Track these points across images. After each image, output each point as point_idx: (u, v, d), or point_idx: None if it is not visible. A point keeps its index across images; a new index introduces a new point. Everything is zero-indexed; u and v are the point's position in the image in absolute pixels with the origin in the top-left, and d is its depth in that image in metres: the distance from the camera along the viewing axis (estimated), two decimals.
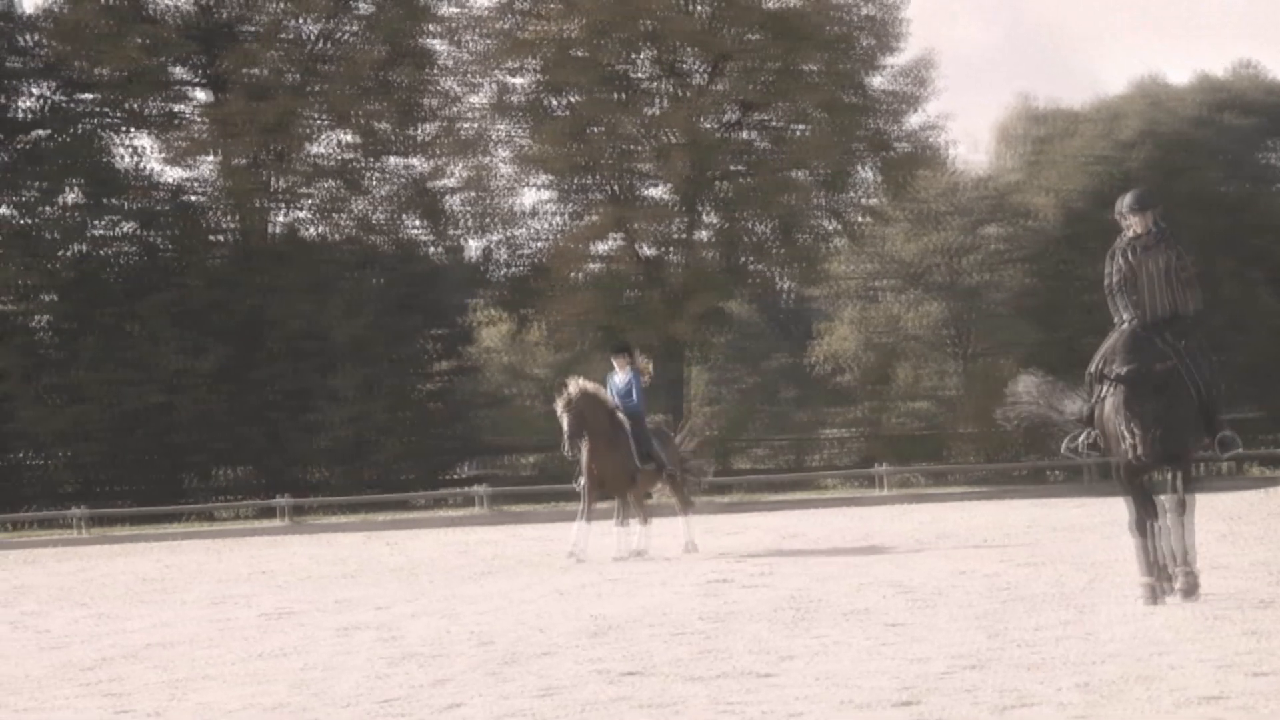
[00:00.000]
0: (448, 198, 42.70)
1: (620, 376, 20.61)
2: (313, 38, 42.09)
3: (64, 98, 42.04)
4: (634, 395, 20.35)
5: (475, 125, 42.16)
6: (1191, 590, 12.41)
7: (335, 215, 42.50)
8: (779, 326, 64.49)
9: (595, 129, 40.39)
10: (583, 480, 20.43)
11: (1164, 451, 12.34)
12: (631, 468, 20.13)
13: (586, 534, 20.05)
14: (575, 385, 20.15)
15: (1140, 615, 11.93)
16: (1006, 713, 8.40)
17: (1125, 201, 12.87)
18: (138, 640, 13.60)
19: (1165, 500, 12.78)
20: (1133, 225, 12.80)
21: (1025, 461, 39.06)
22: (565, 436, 19.91)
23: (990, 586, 14.41)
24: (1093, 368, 13.01)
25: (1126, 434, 12.32)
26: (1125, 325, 12.76)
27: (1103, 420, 12.88)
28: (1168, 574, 12.63)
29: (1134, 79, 53.28)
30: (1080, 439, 13.25)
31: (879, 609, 13.03)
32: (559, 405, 20.01)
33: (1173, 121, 48.20)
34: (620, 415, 20.22)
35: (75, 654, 12.91)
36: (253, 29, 41.38)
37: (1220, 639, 10.52)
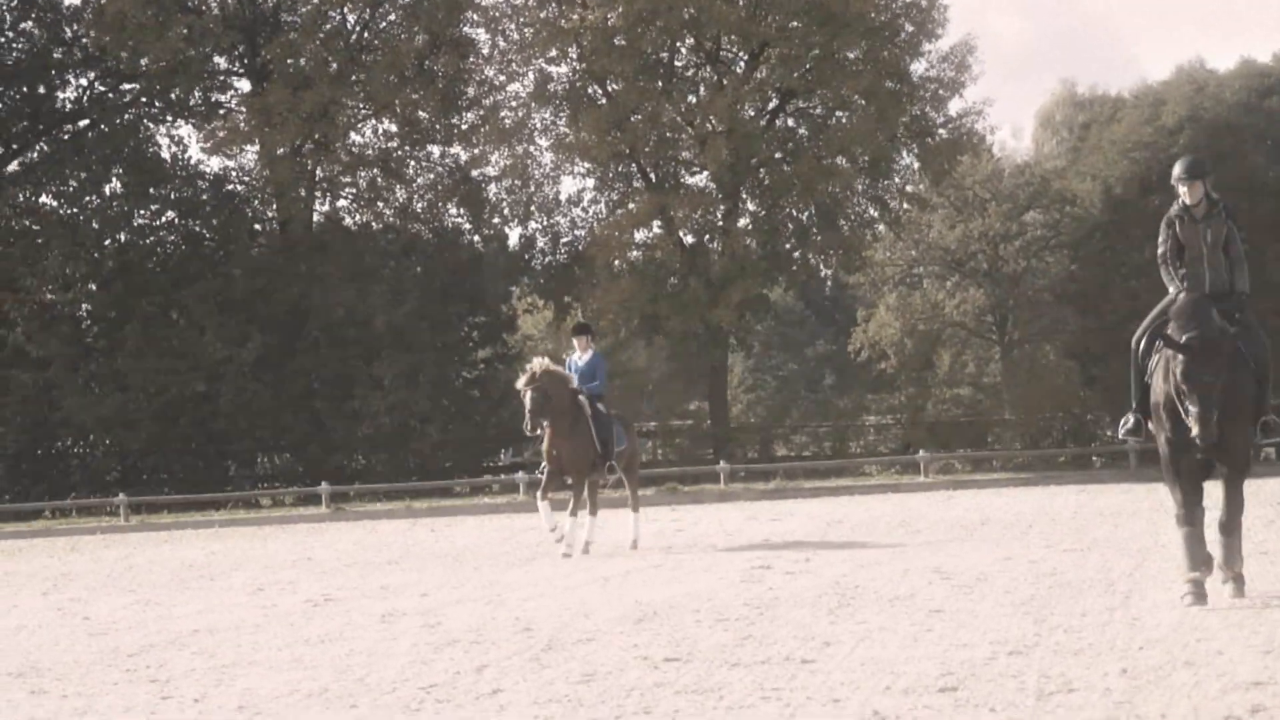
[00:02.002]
0: (489, 186, 42.83)
1: (581, 357, 20.32)
2: (354, 27, 42.26)
3: (106, 88, 42.37)
4: (597, 376, 20.08)
5: (516, 114, 42.25)
6: (1238, 592, 11.64)
7: (377, 204, 42.67)
8: (820, 313, 64.59)
9: (636, 117, 40.39)
10: (545, 466, 20.18)
11: (1220, 436, 11.23)
12: (592, 454, 19.72)
13: (549, 512, 19.43)
14: (539, 363, 19.94)
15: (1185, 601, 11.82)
16: (1050, 698, 8.36)
17: (1176, 169, 12.28)
18: (182, 626, 13.65)
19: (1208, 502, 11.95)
20: (1184, 194, 12.05)
21: (1068, 448, 38.87)
22: (528, 413, 19.44)
23: (1034, 572, 14.34)
24: (1139, 340, 12.11)
25: (1187, 409, 11.23)
26: (1182, 292, 11.75)
27: (1155, 396, 11.81)
28: (1213, 566, 11.78)
29: (1177, 64, 53.00)
30: (1131, 422, 12.26)
31: (922, 595, 12.98)
32: (521, 381, 19.74)
33: (1216, 107, 47.88)
34: (582, 399, 19.92)
35: (120, 640, 12.96)
36: (294, 19, 41.55)
37: (1266, 625, 10.45)
